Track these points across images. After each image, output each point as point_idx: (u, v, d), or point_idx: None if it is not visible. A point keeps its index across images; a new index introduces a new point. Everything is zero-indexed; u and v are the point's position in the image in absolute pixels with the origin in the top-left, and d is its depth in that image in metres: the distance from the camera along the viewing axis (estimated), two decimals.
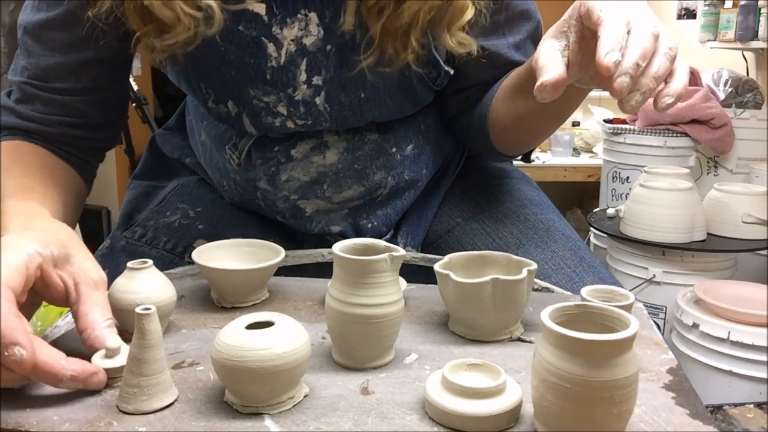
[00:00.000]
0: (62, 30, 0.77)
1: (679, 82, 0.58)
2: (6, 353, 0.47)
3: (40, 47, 0.78)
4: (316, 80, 0.79)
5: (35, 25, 0.78)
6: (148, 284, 0.59)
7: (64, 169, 0.80)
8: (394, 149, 0.86)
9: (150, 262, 0.60)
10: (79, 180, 0.83)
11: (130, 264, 0.59)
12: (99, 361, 0.52)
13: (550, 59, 0.60)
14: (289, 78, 0.78)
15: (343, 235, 0.87)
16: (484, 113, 0.87)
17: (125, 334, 0.59)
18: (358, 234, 0.88)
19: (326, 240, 0.90)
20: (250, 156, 0.86)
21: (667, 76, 0.58)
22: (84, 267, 0.58)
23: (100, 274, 0.58)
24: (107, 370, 0.51)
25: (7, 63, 2.63)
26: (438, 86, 0.86)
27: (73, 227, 0.77)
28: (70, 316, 0.65)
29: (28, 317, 0.56)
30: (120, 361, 0.52)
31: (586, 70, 0.64)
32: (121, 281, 0.59)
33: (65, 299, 0.57)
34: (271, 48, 0.76)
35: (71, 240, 0.59)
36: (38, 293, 0.57)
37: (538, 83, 0.59)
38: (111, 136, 0.88)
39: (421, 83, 0.84)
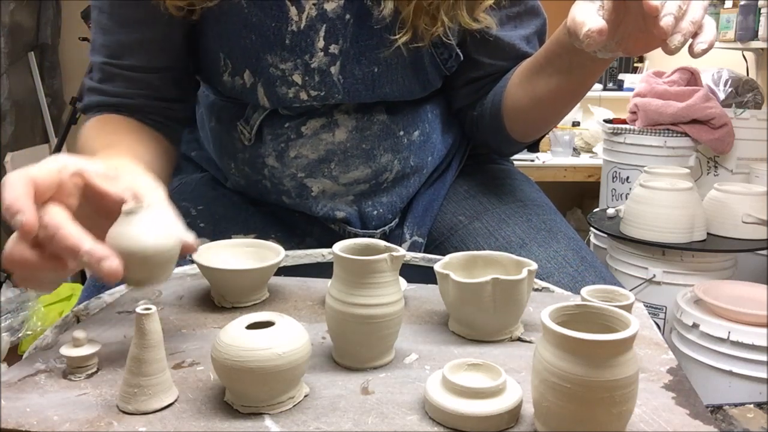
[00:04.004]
0: (130, 6, 0.82)
1: (711, 32, 0.63)
2: (12, 222, 0.50)
3: (113, 24, 0.84)
4: (333, 48, 0.82)
5: (107, 3, 0.84)
6: (141, 227, 0.53)
7: (150, 134, 0.85)
8: (401, 132, 0.89)
9: (145, 201, 0.55)
10: (166, 142, 0.88)
11: (124, 208, 0.54)
12: (64, 350, 0.52)
13: (588, 15, 0.65)
14: (308, 44, 0.81)
15: (347, 222, 0.89)
16: (498, 100, 0.90)
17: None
18: (363, 221, 0.89)
19: (330, 228, 0.90)
20: (261, 132, 0.88)
21: (698, 28, 0.63)
22: (138, 180, 0.59)
23: (156, 184, 0.60)
24: (71, 359, 0.52)
25: (7, 63, 2.63)
26: (448, 69, 0.89)
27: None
28: (71, 315, 0.65)
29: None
30: (84, 351, 0.52)
31: (614, 36, 0.68)
32: (114, 227, 0.54)
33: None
34: (293, 11, 0.80)
35: (126, 165, 0.62)
36: (101, 211, 0.56)
37: (584, 30, 0.64)
38: (188, 108, 0.93)
39: (432, 64, 0.87)
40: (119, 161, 0.63)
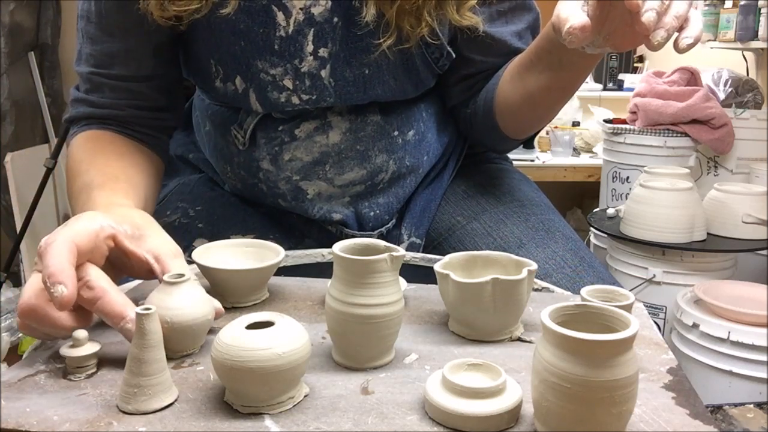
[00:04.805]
0: (119, 14, 0.82)
1: (696, 27, 0.62)
2: (51, 290, 0.52)
3: (101, 33, 0.83)
4: (323, 52, 0.81)
5: (94, 12, 0.83)
6: (183, 300, 0.55)
7: (141, 152, 0.85)
8: (396, 133, 0.88)
9: (188, 274, 0.57)
10: (156, 158, 0.89)
11: (166, 277, 0.56)
12: (64, 350, 0.53)
13: (573, 12, 0.64)
14: (297, 48, 0.81)
15: (344, 224, 0.89)
16: (490, 97, 0.90)
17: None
18: (360, 223, 0.89)
19: (327, 230, 0.90)
20: (255, 136, 0.88)
21: (684, 22, 0.62)
22: (159, 243, 0.62)
23: (176, 247, 0.63)
24: (70, 359, 0.52)
25: (7, 63, 2.62)
26: (440, 68, 0.89)
27: (155, 201, 0.87)
28: None
29: None
30: (84, 351, 0.52)
31: (600, 31, 0.67)
32: (156, 295, 0.56)
33: (147, 271, 0.61)
34: (280, 17, 0.79)
35: (146, 223, 0.64)
36: (120, 266, 0.62)
37: (566, 27, 0.63)
38: (175, 116, 0.92)
39: (424, 64, 0.86)
40: (140, 218, 0.65)
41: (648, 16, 0.60)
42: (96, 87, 0.85)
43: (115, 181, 0.75)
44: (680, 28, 0.61)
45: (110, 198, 0.70)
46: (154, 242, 0.62)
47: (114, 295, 0.55)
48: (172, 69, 0.88)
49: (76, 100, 0.87)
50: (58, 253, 0.54)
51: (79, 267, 0.55)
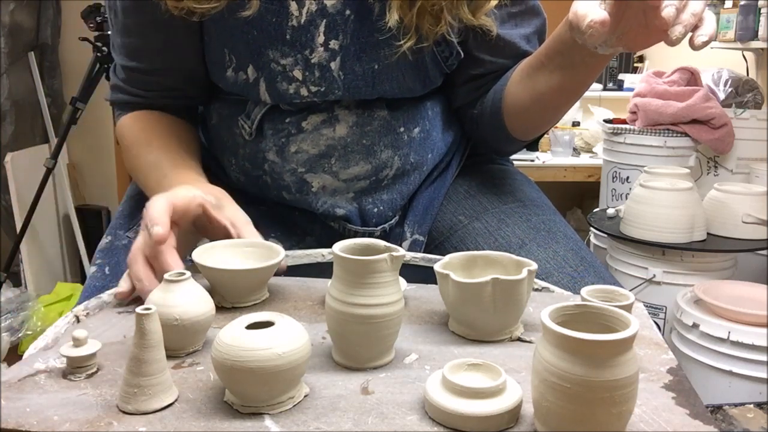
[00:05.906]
0: (135, 13, 0.85)
1: (711, 25, 0.64)
2: (150, 229, 0.64)
3: (123, 29, 0.88)
4: (333, 44, 0.82)
5: (118, 8, 0.88)
6: (185, 297, 0.56)
7: (184, 126, 0.94)
8: (401, 129, 0.89)
9: (188, 273, 0.58)
10: (194, 130, 0.97)
11: (167, 276, 0.57)
12: (64, 350, 0.53)
13: (591, 8, 0.66)
14: (308, 39, 0.82)
15: (347, 219, 0.89)
16: (498, 98, 0.91)
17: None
18: (364, 218, 0.90)
19: (330, 227, 0.91)
20: (262, 127, 0.89)
21: (699, 21, 0.64)
22: (234, 212, 0.74)
23: (246, 216, 0.75)
24: (71, 359, 0.52)
25: (7, 63, 2.63)
26: (448, 67, 0.90)
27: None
28: (71, 315, 0.65)
29: (186, 253, 0.70)
30: (84, 351, 0.52)
31: (615, 30, 0.69)
32: (157, 294, 0.56)
33: (224, 235, 0.72)
34: (293, 6, 0.81)
35: (223, 195, 0.76)
36: (201, 230, 0.74)
37: (587, 21, 0.65)
38: (203, 98, 0.98)
39: (433, 62, 0.87)
40: (218, 191, 0.77)
41: (668, 12, 0.62)
42: (129, 79, 0.92)
43: (182, 161, 0.85)
44: (695, 26, 0.63)
45: (189, 176, 0.81)
46: (230, 211, 0.74)
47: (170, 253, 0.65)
48: (193, 61, 0.90)
49: (115, 86, 0.93)
50: (159, 206, 0.66)
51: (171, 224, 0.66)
